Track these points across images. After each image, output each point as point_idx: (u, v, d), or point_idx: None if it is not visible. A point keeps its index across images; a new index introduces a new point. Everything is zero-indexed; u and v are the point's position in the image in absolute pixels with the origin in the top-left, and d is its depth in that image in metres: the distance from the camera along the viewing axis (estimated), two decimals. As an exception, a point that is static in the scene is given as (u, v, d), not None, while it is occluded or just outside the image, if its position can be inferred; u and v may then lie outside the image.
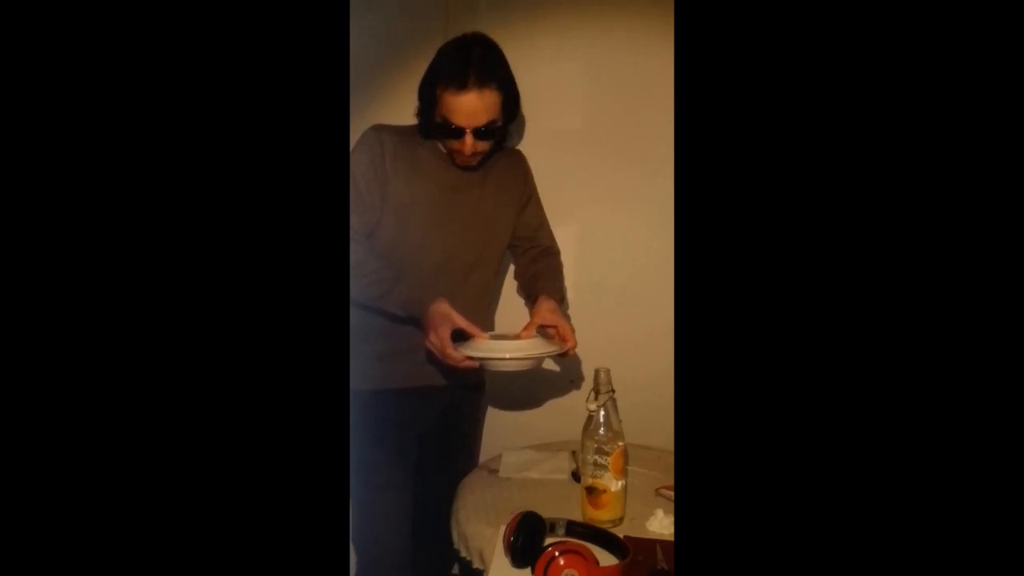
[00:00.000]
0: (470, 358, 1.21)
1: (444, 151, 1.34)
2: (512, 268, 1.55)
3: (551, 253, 1.54)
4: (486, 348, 1.23)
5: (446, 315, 1.23)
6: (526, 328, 1.30)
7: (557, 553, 0.90)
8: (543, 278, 1.45)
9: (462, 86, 1.23)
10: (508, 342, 1.25)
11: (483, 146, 1.29)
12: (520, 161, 1.49)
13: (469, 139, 1.26)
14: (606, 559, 0.96)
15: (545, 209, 1.51)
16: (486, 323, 1.51)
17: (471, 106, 1.24)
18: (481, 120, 1.25)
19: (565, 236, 1.52)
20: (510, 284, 1.58)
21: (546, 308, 1.32)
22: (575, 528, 1.04)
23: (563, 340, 1.28)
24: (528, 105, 1.48)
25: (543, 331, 1.31)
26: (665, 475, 1.24)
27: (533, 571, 0.91)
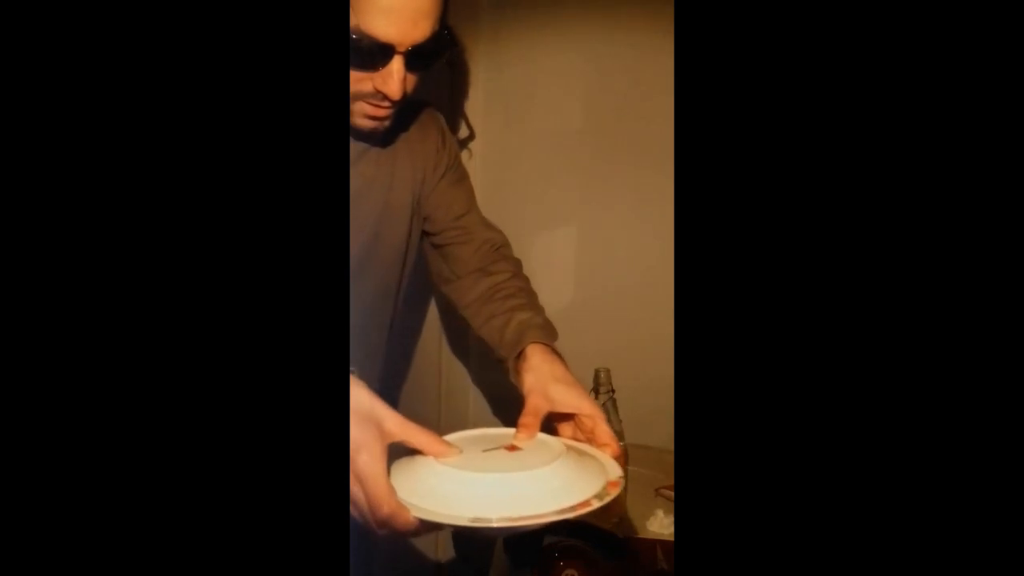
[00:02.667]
0: (425, 522, 0.59)
1: None
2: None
3: (501, 251, 0.95)
4: (453, 499, 0.60)
5: (368, 416, 0.60)
6: (523, 427, 0.69)
7: (557, 553, 0.90)
8: (515, 303, 0.84)
9: None
10: (495, 474, 0.62)
11: (412, 83, 0.75)
12: (432, 114, 0.98)
13: (398, 66, 0.72)
14: (606, 559, 0.96)
15: (545, 209, 1.41)
16: (399, 380, 0.94)
17: (410, 6, 0.70)
18: (423, 31, 0.72)
19: (565, 236, 1.51)
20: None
21: (552, 377, 0.73)
22: (575, 528, 1.03)
23: (597, 443, 0.70)
24: (528, 104, 1.47)
25: (554, 426, 0.74)
26: (665, 475, 1.24)
27: (533, 571, 0.91)
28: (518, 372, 0.77)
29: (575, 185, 1.49)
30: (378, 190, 0.87)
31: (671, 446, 1.30)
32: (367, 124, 0.79)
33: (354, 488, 0.59)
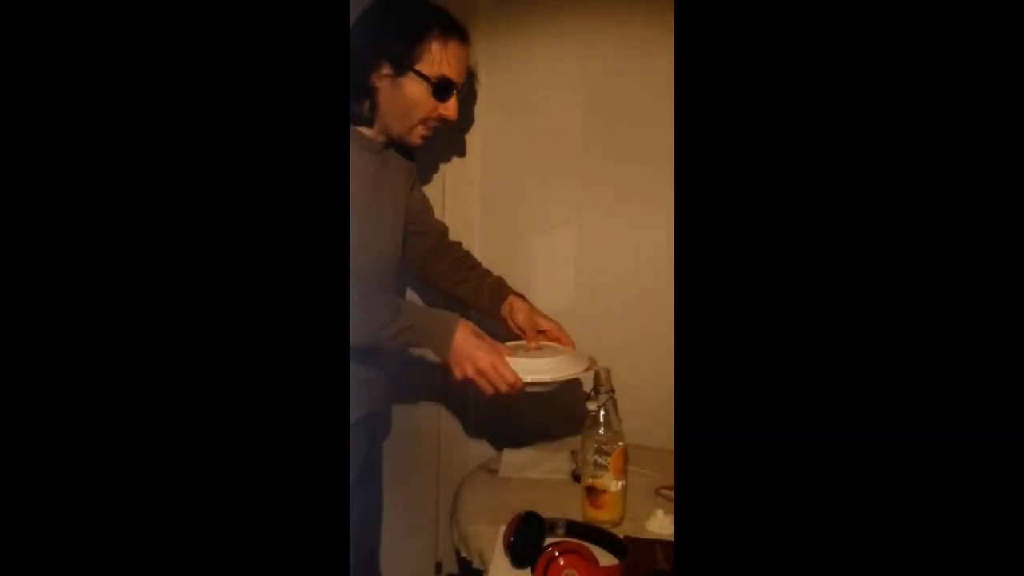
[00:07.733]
0: (528, 383, 1.05)
1: (371, 133, 1.11)
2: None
3: (447, 236, 1.32)
4: (529, 368, 1.07)
5: (480, 334, 1.06)
6: (530, 338, 1.18)
7: (557, 553, 0.90)
8: (481, 271, 1.27)
9: (464, 38, 1.09)
10: (543, 360, 1.11)
11: None
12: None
13: (454, 100, 1.09)
14: (606, 559, 0.96)
15: (546, 210, 1.45)
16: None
17: (466, 56, 1.10)
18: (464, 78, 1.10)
19: (565, 236, 1.51)
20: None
21: (527, 310, 1.19)
22: (575, 528, 1.04)
23: (564, 344, 1.18)
24: (528, 104, 1.47)
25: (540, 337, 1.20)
26: (665, 475, 1.24)
27: (533, 571, 0.91)
28: (507, 316, 1.23)
29: (575, 185, 1.49)
30: (399, 191, 1.18)
31: (671, 446, 1.30)
32: (420, 141, 1.14)
33: (493, 374, 1.04)
